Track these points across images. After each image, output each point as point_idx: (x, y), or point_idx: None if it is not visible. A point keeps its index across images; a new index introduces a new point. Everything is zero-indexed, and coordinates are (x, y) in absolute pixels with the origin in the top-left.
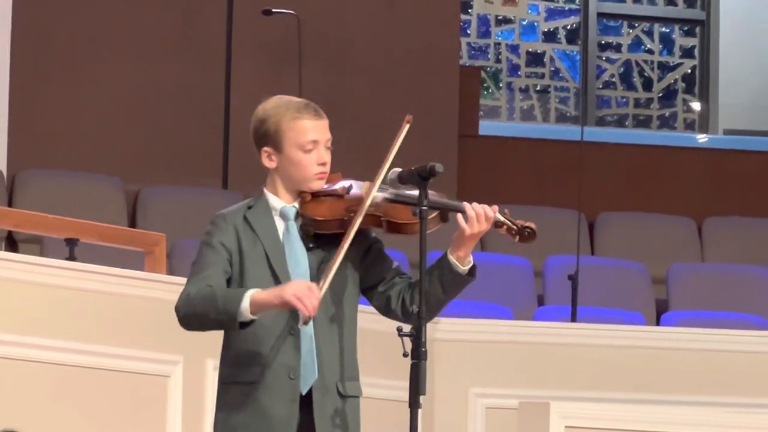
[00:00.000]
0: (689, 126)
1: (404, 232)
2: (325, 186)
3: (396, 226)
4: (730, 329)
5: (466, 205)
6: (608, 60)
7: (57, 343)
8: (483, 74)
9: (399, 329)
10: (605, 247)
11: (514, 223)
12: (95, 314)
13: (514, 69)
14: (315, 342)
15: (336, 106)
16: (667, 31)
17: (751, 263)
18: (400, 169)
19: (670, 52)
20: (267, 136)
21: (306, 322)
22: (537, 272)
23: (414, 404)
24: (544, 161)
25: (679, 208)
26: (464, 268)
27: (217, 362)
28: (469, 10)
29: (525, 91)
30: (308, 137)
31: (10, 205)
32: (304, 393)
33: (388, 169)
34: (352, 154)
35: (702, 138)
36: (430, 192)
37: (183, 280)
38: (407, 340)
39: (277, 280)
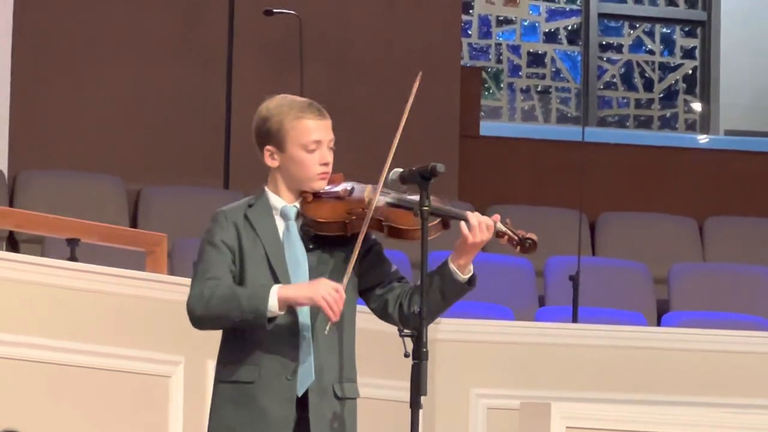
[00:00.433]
0: (690, 127)
1: (405, 237)
2: (327, 187)
3: (397, 231)
4: (731, 330)
5: (468, 213)
6: (609, 60)
7: (58, 343)
8: (484, 75)
9: (400, 329)
10: (606, 247)
11: (515, 234)
12: (96, 314)
13: (515, 69)
14: (313, 344)
15: (337, 106)
16: (668, 31)
17: (753, 263)
18: (401, 169)
19: (671, 53)
20: (269, 135)
21: (332, 328)
22: (538, 273)
23: (415, 405)
24: (545, 162)
25: (680, 209)
26: (464, 277)
27: None
28: (470, 11)
29: (526, 91)
30: (311, 137)
31: (11, 205)
32: (300, 395)
33: (388, 171)
34: (353, 154)
35: (703, 138)
36: (433, 198)
37: (184, 280)
38: (408, 341)
39: (276, 280)
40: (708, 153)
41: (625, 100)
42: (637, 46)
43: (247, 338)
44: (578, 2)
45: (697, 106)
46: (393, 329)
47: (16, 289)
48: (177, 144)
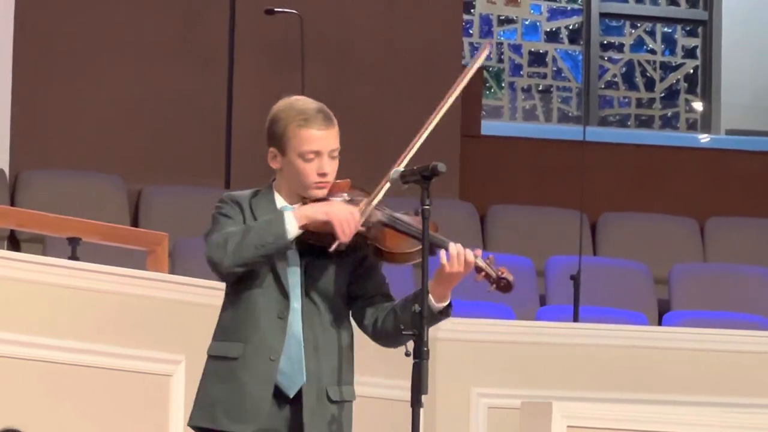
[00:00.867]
0: (691, 126)
1: (389, 260)
2: (328, 196)
3: (381, 252)
4: (732, 329)
5: (451, 243)
6: (610, 60)
7: (59, 342)
8: (485, 74)
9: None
10: (607, 247)
11: (493, 272)
12: (97, 313)
13: (516, 69)
14: (306, 344)
15: (338, 106)
16: (670, 31)
17: (754, 263)
18: (402, 168)
19: (673, 52)
20: (274, 138)
21: (338, 248)
22: (539, 272)
23: (416, 404)
24: (546, 161)
25: (681, 209)
26: (437, 306)
27: None
28: (472, 10)
29: (527, 91)
30: (310, 147)
31: (12, 204)
32: (291, 396)
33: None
34: (353, 154)
35: (704, 138)
36: (415, 226)
37: (185, 279)
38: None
39: (273, 270)
40: (709, 152)
41: (627, 100)
42: (639, 45)
43: (239, 317)
44: (579, 1)
45: (698, 106)
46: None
47: (17, 288)
48: (178, 143)
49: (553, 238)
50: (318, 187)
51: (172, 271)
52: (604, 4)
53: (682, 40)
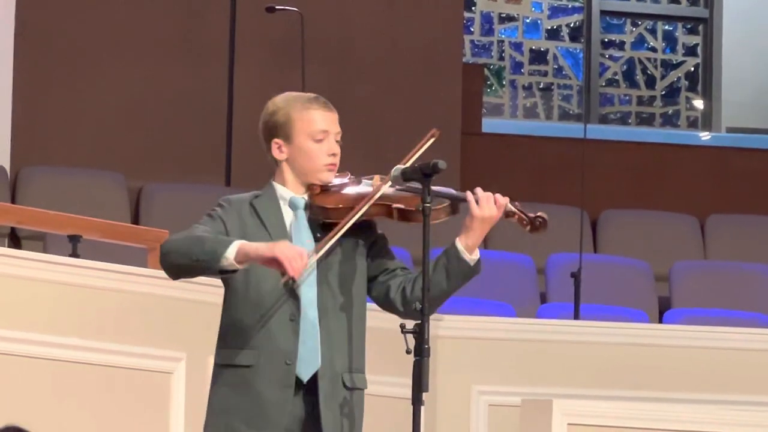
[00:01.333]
0: (692, 124)
1: (414, 219)
2: (335, 180)
3: (407, 213)
4: (733, 327)
5: (472, 192)
6: (611, 58)
7: (60, 339)
8: (486, 72)
9: (402, 326)
10: (608, 244)
11: (525, 214)
12: (98, 311)
13: (517, 66)
14: (320, 331)
15: (339, 103)
16: (671, 28)
17: (754, 261)
18: (403, 166)
19: (673, 50)
20: (277, 127)
21: (287, 283)
22: (540, 270)
23: (417, 401)
24: (546, 159)
25: (682, 206)
26: (471, 257)
27: None
28: (473, 8)
29: (528, 88)
30: (319, 126)
31: (13, 201)
32: (305, 380)
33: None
34: (354, 151)
35: (705, 136)
36: (433, 188)
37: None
38: (410, 337)
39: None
40: (710, 150)
41: (627, 97)
42: (639, 43)
43: (246, 323)
44: None
45: (699, 104)
46: (395, 326)
47: (17, 286)
48: (179, 141)
49: (554, 235)
50: (329, 169)
51: None
52: (605, 2)
53: (683, 38)
